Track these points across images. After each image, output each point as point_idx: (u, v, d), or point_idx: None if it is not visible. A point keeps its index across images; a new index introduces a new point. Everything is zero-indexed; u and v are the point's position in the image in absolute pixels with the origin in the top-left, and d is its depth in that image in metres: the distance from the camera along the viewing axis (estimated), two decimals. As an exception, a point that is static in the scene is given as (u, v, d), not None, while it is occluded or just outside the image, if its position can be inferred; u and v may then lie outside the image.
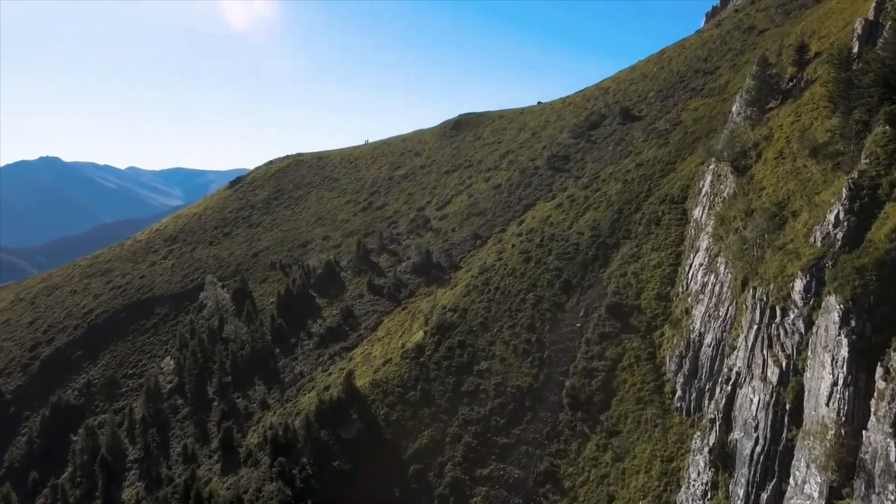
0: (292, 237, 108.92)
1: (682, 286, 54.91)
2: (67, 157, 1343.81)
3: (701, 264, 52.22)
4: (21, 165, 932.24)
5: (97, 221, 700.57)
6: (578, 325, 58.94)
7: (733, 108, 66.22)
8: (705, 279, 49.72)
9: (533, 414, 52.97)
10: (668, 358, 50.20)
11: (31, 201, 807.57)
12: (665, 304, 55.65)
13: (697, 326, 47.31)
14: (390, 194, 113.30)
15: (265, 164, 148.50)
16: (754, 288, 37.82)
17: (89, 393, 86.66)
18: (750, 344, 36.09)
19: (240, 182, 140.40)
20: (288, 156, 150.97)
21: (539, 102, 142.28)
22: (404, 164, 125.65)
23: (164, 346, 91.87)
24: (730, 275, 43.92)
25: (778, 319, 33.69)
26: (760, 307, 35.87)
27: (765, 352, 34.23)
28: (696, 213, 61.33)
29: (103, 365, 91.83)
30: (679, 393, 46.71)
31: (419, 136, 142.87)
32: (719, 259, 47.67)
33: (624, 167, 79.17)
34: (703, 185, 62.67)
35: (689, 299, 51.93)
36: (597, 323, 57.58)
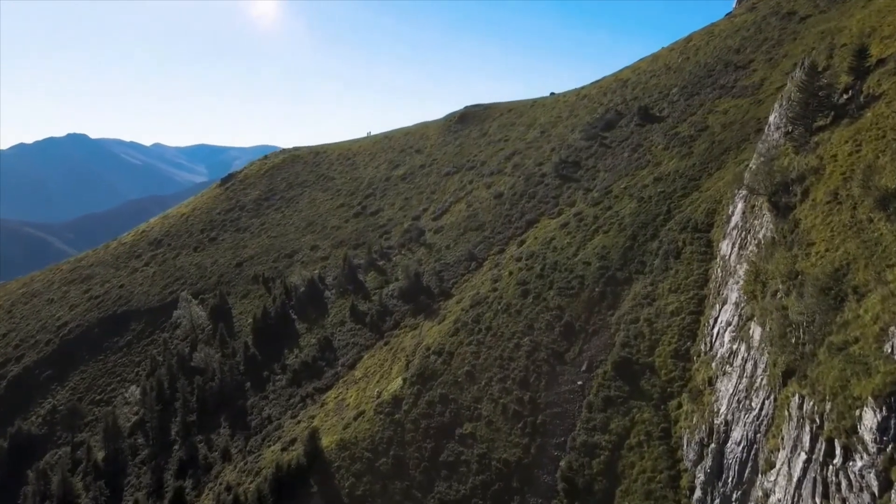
0: (279, 245, 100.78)
1: (705, 345, 45.39)
2: (94, 134, 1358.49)
3: (729, 323, 42.62)
4: (50, 142, 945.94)
5: (123, 198, 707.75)
6: (580, 382, 49.81)
7: (770, 118, 55.73)
8: (734, 346, 40.18)
9: (521, 499, 44.26)
10: (685, 442, 40.97)
11: (60, 178, 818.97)
12: (684, 365, 46.21)
13: (724, 411, 37.94)
14: (386, 198, 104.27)
15: (259, 159, 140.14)
16: (802, 396, 28.39)
17: (53, 421, 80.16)
18: (796, 478, 26.82)
19: (231, 179, 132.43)
20: (284, 150, 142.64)
21: (552, 94, 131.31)
22: (404, 163, 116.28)
23: (135, 367, 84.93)
24: (766, 355, 34.39)
25: (838, 461, 24.35)
26: (811, 430, 26.52)
27: (818, 500, 24.96)
28: (724, 247, 51.46)
29: (71, 388, 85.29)
30: (699, 494, 37.56)
31: (422, 129, 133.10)
32: (752, 325, 38.07)
33: (640, 181, 69.10)
34: (733, 214, 52.67)
35: (714, 366, 42.46)
36: (601, 382, 48.39)
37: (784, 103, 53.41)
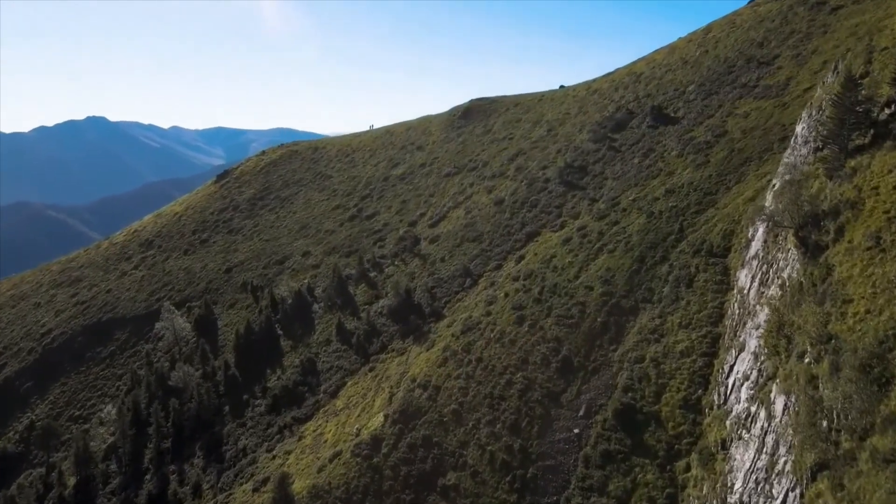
0: (271, 250, 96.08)
1: (719, 396, 39.82)
2: (113, 117, 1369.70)
3: (746, 376, 36.98)
4: (70, 125, 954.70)
5: (142, 180, 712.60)
6: (576, 430, 44.52)
7: (798, 128, 49.40)
8: (752, 407, 34.58)
9: (506, 569, 39.37)
10: (693, 516, 35.63)
11: (80, 160, 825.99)
12: (694, 417, 40.69)
13: (739, 487, 32.47)
14: (383, 200, 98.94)
15: (256, 155, 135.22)
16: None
17: (30, 438, 76.72)
18: None
19: (227, 176, 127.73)
20: (282, 144, 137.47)
21: (561, 86, 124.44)
22: (404, 161, 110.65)
23: (116, 381, 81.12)
24: (791, 433, 28.82)
25: None
26: (850, 562, 21.03)
27: None
28: (742, 278, 45.63)
29: (51, 402, 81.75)
30: (707, 584, 32.32)
31: (425, 124, 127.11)
32: (774, 389, 32.43)
33: (651, 192, 63.06)
34: (753, 239, 46.74)
35: (729, 424, 36.90)
36: (600, 432, 43.07)
37: (814, 113, 47.13)
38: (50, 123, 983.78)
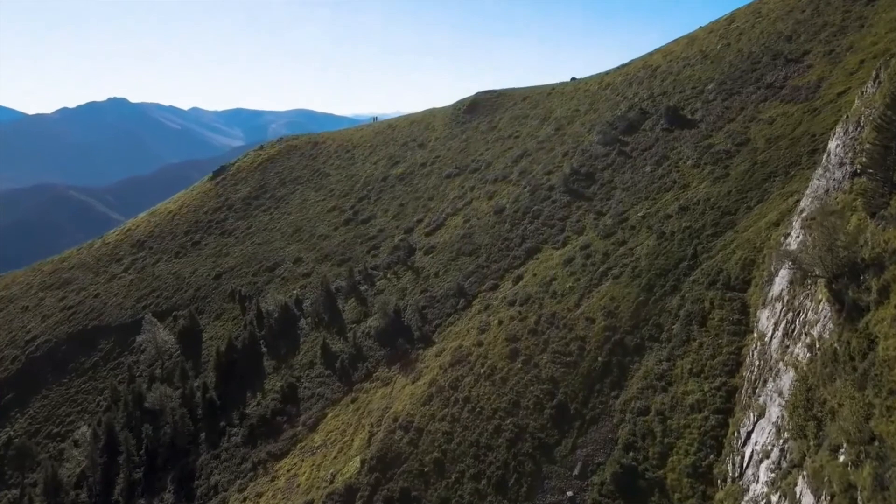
0: (262, 255, 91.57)
1: (733, 466, 34.38)
2: (134, 99, 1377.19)
3: (766, 452, 31.48)
4: (91, 107, 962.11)
5: (162, 161, 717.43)
6: (570, 493, 39.40)
7: (831, 145, 43.05)
8: (773, 497, 29.14)
9: None
10: None
11: (102, 141, 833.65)
12: (704, 489, 35.32)
13: None
14: (380, 202, 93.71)
15: (255, 149, 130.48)
16: None
17: (6, 456, 73.57)
18: None
19: (223, 172, 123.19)
20: (281, 138, 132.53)
21: (573, 79, 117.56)
22: (404, 159, 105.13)
23: (97, 395, 77.57)
24: (821, 552, 23.43)
25: None
26: None
27: None
28: (764, 321, 39.90)
29: (30, 416, 78.51)
30: None
31: (429, 118, 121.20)
32: (801, 482, 26.97)
33: (663, 208, 57.09)
34: (777, 276, 40.84)
35: (743, 506, 31.56)
36: (596, 499, 37.90)
37: (850, 129, 40.82)
38: (72, 105, 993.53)
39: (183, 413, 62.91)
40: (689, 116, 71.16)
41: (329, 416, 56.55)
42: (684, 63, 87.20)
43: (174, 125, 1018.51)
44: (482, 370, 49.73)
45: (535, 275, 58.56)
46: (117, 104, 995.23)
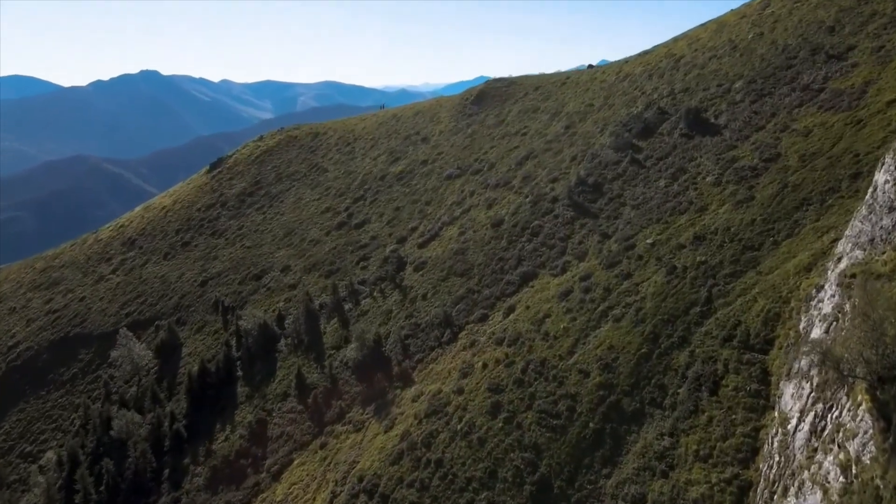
0: (251, 260, 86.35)
1: None
2: (165, 71, 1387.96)
3: None
4: (124, 79, 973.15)
5: (193, 133, 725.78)
6: None
7: (879, 179, 35.05)
8: None
9: None
10: None
11: (135, 113, 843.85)
12: None
13: None
14: (376, 204, 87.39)
15: (254, 140, 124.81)
16: None
17: (-23, 476, 70.35)
18: None
19: (220, 165, 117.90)
20: (281, 129, 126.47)
21: (590, 66, 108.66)
22: (405, 155, 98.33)
23: (73, 413, 73.83)
24: None
25: None
26: None
27: None
28: (788, 398, 32.88)
29: (5, 432, 75.23)
30: None
31: (435, 108, 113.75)
32: None
33: (675, 235, 49.70)
34: (807, 336, 33.59)
35: None
36: None
37: (905, 161, 33.07)
38: (106, 77, 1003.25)
39: (145, 449, 58.30)
40: (713, 120, 62.91)
41: (295, 462, 51.26)
42: (711, 54, 78.17)
43: (205, 97, 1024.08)
44: (459, 426, 43.65)
45: (528, 307, 51.92)
46: (149, 76, 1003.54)
